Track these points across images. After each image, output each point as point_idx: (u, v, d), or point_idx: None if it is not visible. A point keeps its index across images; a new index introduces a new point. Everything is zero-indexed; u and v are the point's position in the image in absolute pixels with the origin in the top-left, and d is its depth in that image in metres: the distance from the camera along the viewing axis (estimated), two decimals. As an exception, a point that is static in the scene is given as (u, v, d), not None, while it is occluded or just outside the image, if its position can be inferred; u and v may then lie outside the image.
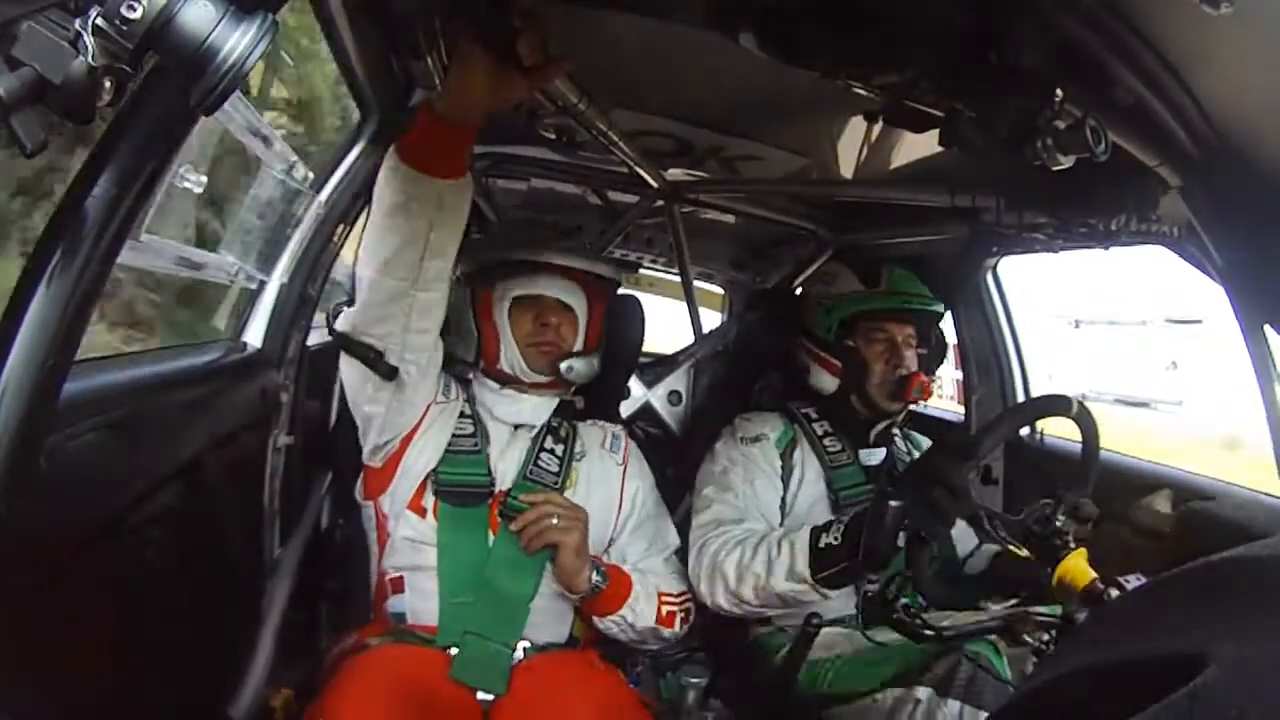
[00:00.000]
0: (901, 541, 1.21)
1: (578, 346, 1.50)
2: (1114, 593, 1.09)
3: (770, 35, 0.94)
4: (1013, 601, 1.25)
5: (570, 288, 1.49)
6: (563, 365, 1.45)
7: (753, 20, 0.94)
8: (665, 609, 1.44)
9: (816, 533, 1.35)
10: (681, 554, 1.55)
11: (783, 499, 1.59)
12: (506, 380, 1.49)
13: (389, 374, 1.29)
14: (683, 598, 1.48)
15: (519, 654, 1.34)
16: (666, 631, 1.45)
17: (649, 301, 1.92)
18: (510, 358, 1.46)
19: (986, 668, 1.21)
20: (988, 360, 2.13)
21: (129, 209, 0.75)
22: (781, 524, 1.56)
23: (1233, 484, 1.57)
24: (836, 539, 1.31)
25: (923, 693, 1.24)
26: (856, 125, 1.52)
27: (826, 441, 1.64)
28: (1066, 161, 0.91)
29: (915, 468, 1.46)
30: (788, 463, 1.62)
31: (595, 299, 1.54)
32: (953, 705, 1.21)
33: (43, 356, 0.71)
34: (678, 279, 2.42)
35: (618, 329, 1.70)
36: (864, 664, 1.38)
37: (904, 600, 1.23)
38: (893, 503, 1.21)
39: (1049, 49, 0.87)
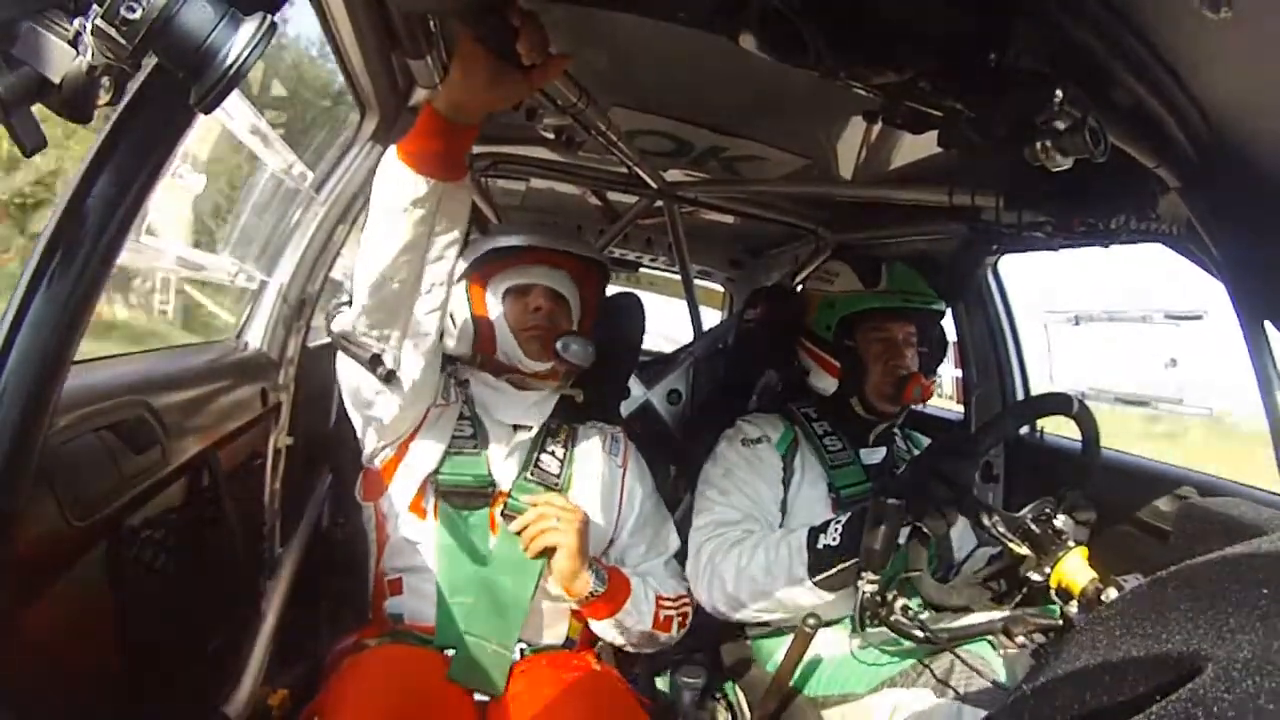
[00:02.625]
0: (903, 539, 1.22)
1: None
2: (1112, 593, 1.09)
3: (770, 35, 0.94)
4: (1012, 603, 1.25)
5: (560, 276, 1.51)
6: (559, 343, 1.44)
7: (753, 20, 0.94)
8: (663, 614, 1.44)
9: (814, 534, 1.35)
10: (681, 555, 1.56)
11: (783, 500, 1.59)
12: (504, 370, 1.49)
13: (387, 377, 1.28)
14: (680, 602, 1.48)
15: (516, 655, 1.34)
16: (663, 636, 1.46)
17: (649, 301, 1.92)
18: (506, 346, 1.47)
19: (982, 670, 1.21)
20: (988, 359, 2.14)
21: (129, 209, 0.75)
22: (782, 525, 1.56)
23: (1234, 482, 1.57)
24: (835, 540, 1.31)
25: (919, 694, 1.24)
26: (856, 125, 1.52)
27: (827, 441, 1.64)
28: (1066, 163, 0.91)
29: (916, 464, 1.46)
30: (789, 465, 1.61)
31: (586, 285, 1.56)
32: (951, 706, 1.21)
33: (43, 356, 0.71)
34: (678, 277, 2.43)
35: (618, 327, 1.70)
36: (861, 665, 1.38)
37: (902, 602, 1.23)
38: (891, 500, 1.22)
39: (1049, 50, 0.87)
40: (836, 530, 1.32)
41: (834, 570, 1.30)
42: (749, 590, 1.39)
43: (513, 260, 1.49)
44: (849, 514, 1.34)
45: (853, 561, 1.27)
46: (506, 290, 1.49)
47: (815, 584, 1.32)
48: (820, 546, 1.32)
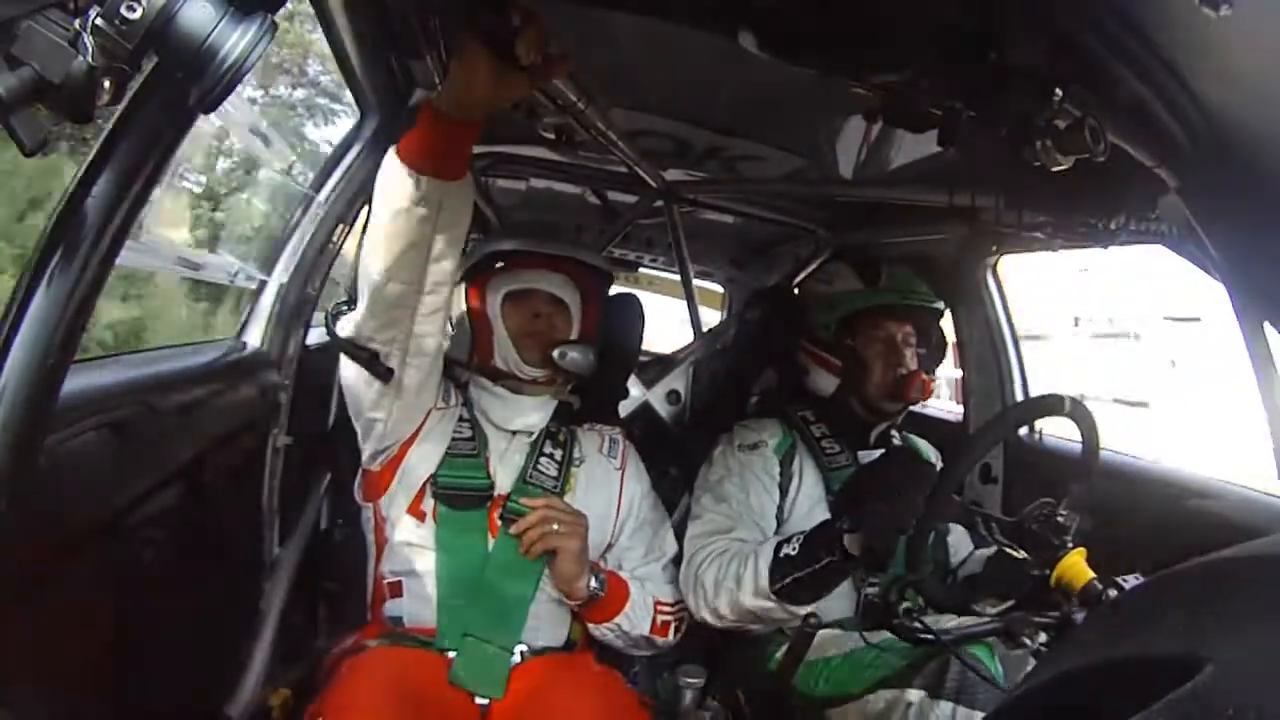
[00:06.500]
0: (854, 549, 1.24)
1: (573, 338, 1.49)
2: (1112, 593, 1.09)
3: (770, 35, 0.94)
4: (1009, 604, 1.25)
5: (561, 281, 1.49)
6: (556, 352, 1.43)
7: (752, 20, 0.94)
8: (660, 618, 1.45)
9: (780, 544, 1.35)
10: (679, 560, 1.55)
11: (781, 506, 1.59)
12: (501, 377, 1.48)
13: (385, 376, 1.28)
14: (678, 606, 1.48)
15: (516, 657, 1.34)
16: (660, 640, 1.46)
17: (649, 301, 1.92)
18: (504, 352, 1.46)
19: (977, 669, 1.21)
20: (987, 359, 2.13)
21: (129, 209, 0.75)
22: (779, 531, 1.56)
23: (1234, 483, 1.57)
24: (794, 550, 1.32)
25: (914, 694, 1.24)
26: (856, 125, 1.52)
27: (825, 444, 1.64)
28: (1066, 162, 0.91)
29: (859, 481, 1.47)
30: (787, 469, 1.61)
31: (588, 292, 1.54)
32: (945, 707, 1.21)
33: (43, 356, 0.71)
34: (677, 278, 2.42)
35: (617, 328, 1.69)
36: (857, 665, 1.38)
37: (905, 604, 1.23)
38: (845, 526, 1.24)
39: (1048, 49, 0.87)
40: (799, 541, 1.32)
41: (790, 579, 1.30)
42: (725, 601, 1.39)
43: (512, 264, 1.48)
44: (816, 525, 1.35)
45: (809, 572, 1.28)
46: (506, 295, 1.47)
47: (776, 594, 1.32)
48: (781, 556, 1.33)
